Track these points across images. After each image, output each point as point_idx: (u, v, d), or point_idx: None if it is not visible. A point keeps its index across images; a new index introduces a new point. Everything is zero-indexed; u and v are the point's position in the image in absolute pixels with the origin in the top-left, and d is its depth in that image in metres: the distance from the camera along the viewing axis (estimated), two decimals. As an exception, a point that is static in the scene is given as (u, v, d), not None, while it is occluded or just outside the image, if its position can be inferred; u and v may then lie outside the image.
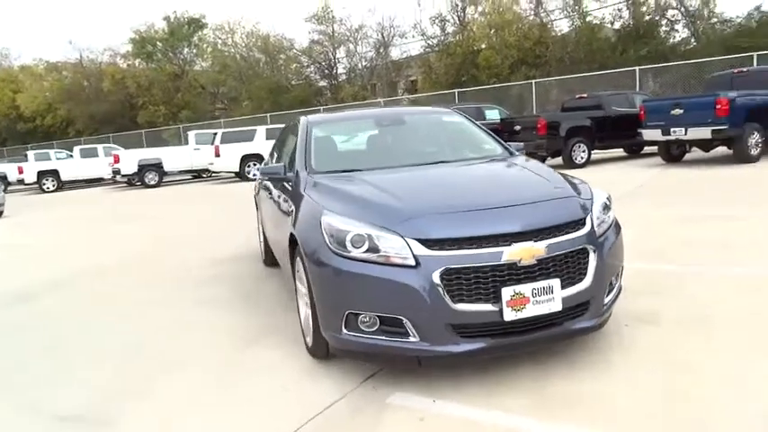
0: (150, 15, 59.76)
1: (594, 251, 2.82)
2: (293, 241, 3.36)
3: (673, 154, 12.52)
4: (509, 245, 2.62)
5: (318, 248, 2.87)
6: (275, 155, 5.32)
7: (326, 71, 29.50)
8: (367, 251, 2.71)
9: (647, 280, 4.14)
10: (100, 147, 25.07)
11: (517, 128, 13.90)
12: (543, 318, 2.67)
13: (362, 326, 2.73)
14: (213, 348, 3.63)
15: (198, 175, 23.32)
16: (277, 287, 4.91)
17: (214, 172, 21.54)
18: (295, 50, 29.95)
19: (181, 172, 22.25)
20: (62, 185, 24.01)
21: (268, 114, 26.47)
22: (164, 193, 17.91)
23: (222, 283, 5.23)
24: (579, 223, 2.84)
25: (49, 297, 5.35)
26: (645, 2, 21.71)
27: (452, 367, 2.93)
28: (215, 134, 20.26)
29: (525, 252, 2.62)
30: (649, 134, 12.12)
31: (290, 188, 3.75)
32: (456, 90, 21.08)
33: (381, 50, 27.89)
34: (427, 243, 2.63)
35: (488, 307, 2.60)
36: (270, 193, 4.49)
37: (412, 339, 2.65)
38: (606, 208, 3.08)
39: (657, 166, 12.04)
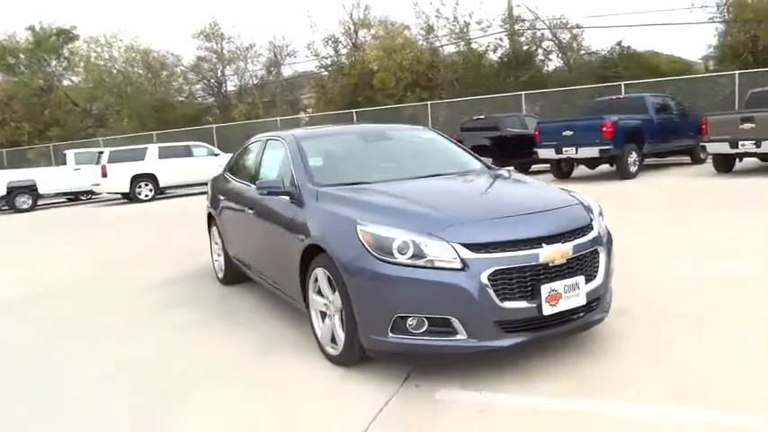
0: (11, 25, 54.64)
1: (603, 252, 3.20)
2: (309, 253, 3.42)
3: (563, 171, 13.79)
4: (542, 247, 2.91)
5: (358, 257, 2.97)
6: (238, 171, 5.27)
7: (216, 89, 28.76)
8: (412, 257, 2.86)
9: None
10: (-45, 167, 22.45)
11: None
12: (571, 311, 2.98)
13: (410, 328, 2.86)
14: (225, 369, 3.51)
15: (75, 197, 21.60)
16: (252, 304, 4.83)
17: (96, 194, 20.16)
18: (182, 67, 28.91)
19: (57, 194, 20.53)
20: None
21: (154, 133, 25.23)
22: (43, 217, 16.38)
23: (187, 305, 5.02)
24: (589, 227, 3.20)
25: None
26: (522, 33, 23.71)
27: (473, 361, 3.12)
28: (100, 153, 18.94)
29: (557, 253, 2.93)
30: (544, 153, 13.28)
31: (292, 202, 3.78)
32: (354, 110, 21.56)
33: (273, 69, 27.77)
34: (472, 247, 2.84)
35: (528, 303, 2.86)
36: (250, 209, 4.44)
37: (460, 337, 2.83)
38: (600, 214, 3.48)
39: (550, 182, 13.16)
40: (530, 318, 2.88)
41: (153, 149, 18.86)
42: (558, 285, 2.90)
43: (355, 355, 3.17)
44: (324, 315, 3.45)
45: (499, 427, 2.58)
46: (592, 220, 3.28)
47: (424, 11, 24.49)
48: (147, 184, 18.42)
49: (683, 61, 23.27)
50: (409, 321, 2.86)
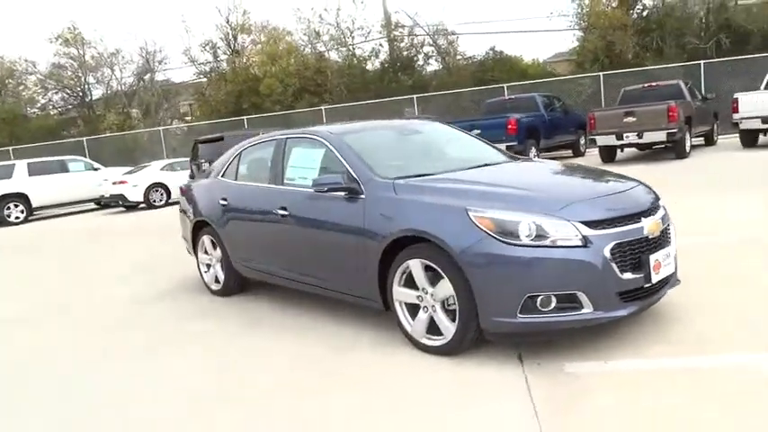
0: None
1: (672, 225, 3.54)
2: (392, 248, 3.41)
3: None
4: (641, 221, 3.17)
5: (478, 242, 3.01)
6: (244, 173, 5.00)
7: (79, 98, 26.21)
8: (536, 237, 2.98)
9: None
10: None
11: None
12: (667, 278, 3.28)
13: (540, 306, 2.97)
14: (317, 373, 3.37)
15: None
16: (275, 309, 4.62)
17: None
18: (39, 75, 25.99)
19: None
20: None
21: (9, 148, 22.46)
22: None
23: (205, 317, 4.65)
24: (659, 203, 3.53)
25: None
26: (402, 39, 24.54)
27: (572, 334, 3.31)
28: (-47, 172, 16.54)
29: (655, 225, 3.21)
30: (454, 151, 13.92)
31: (349, 198, 3.72)
32: (246, 117, 20.90)
33: (147, 76, 25.97)
34: (591, 224, 3.02)
35: (637, 274, 3.09)
36: (281, 210, 4.22)
37: (585, 311, 2.99)
38: None
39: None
40: (639, 287, 3.11)
41: (21, 166, 16.82)
42: (659, 255, 3.18)
43: (468, 342, 3.20)
44: (413, 307, 3.44)
45: (645, 389, 2.75)
46: (658, 197, 3.60)
47: (305, 16, 24.46)
48: (17, 205, 16.41)
49: (563, 61, 25.59)
50: (539, 300, 2.97)
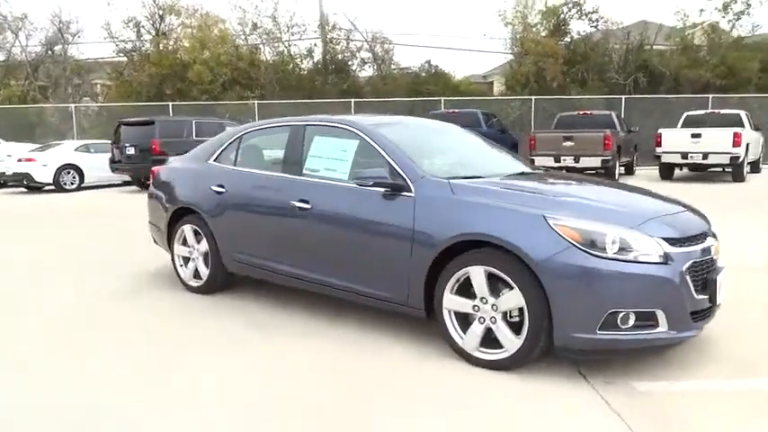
0: None
1: (716, 247, 3.57)
2: (444, 252, 3.17)
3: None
4: (706, 241, 3.15)
5: (562, 253, 2.84)
6: (249, 161, 4.55)
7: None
8: (619, 251, 2.86)
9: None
10: None
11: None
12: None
13: (620, 323, 2.85)
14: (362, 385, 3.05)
15: None
16: (273, 309, 4.20)
17: None
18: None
19: None
20: None
21: None
22: None
23: (204, 320, 4.14)
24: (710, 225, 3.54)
25: None
26: (339, 42, 24.23)
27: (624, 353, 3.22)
28: None
29: (717, 247, 3.20)
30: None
31: (389, 195, 3.45)
32: (171, 103, 19.63)
33: (58, 47, 23.73)
34: (670, 241, 2.94)
35: (705, 294, 3.06)
36: (301, 203, 3.84)
37: (660, 330, 2.89)
38: None
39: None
40: (705, 308, 3.08)
41: None
42: (721, 276, 3.16)
43: (533, 356, 3.02)
44: (462, 317, 3.22)
45: (719, 409, 2.71)
46: (708, 220, 3.60)
47: (241, 5, 23.48)
48: None
49: (478, 83, 26.32)
50: (621, 316, 2.84)
